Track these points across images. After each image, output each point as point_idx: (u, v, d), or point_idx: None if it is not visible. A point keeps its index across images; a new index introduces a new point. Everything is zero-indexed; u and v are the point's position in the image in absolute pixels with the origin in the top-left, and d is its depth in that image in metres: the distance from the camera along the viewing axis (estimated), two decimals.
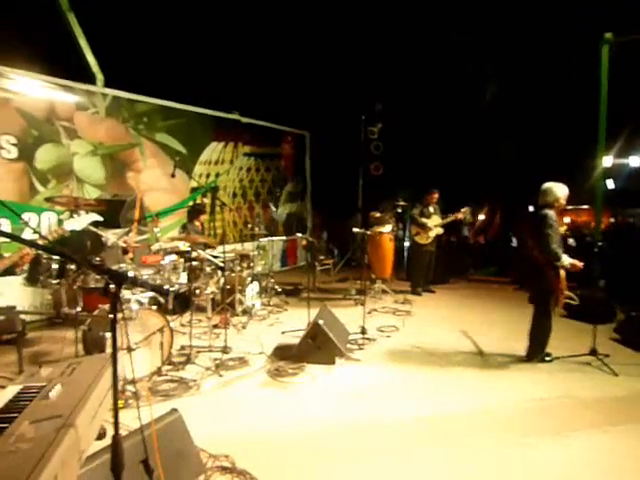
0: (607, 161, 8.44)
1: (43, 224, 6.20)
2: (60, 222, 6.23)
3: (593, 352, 4.76)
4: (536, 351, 4.77)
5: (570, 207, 14.98)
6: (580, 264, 4.51)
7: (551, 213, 4.58)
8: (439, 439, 3.30)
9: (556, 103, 10.03)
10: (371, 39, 9.53)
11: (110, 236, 4.42)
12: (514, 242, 10.40)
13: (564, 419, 3.60)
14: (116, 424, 1.60)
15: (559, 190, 4.66)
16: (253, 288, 6.79)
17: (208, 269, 5.39)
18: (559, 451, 3.13)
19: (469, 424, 3.52)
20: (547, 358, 4.78)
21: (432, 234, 7.99)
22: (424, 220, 7.98)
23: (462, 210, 8.09)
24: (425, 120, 10.76)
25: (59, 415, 1.44)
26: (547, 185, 4.71)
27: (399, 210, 8.36)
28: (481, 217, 14.02)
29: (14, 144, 5.95)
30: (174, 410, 2.66)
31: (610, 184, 11.78)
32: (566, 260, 4.50)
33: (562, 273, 4.57)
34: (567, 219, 15.32)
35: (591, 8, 8.31)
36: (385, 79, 10.21)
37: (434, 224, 8.00)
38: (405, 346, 5.35)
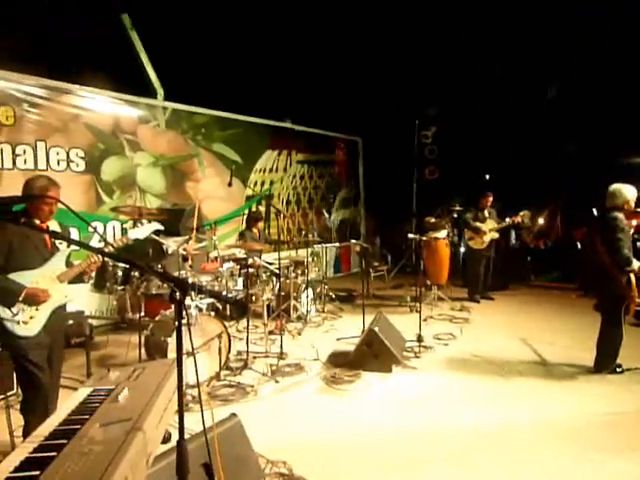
0: None
1: (109, 233, 6.51)
2: (124, 231, 6.52)
3: None
4: (605, 362, 4.50)
5: (638, 210, 14.14)
6: None
7: (621, 216, 4.34)
8: (498, 449, 3.19)
9: (620, 102, 9.51)
10: (424, 42, 9.41)
11: (171, 244, 4.57)
12: (578, 246, 9.91)
13: (631, 435, 3.38)
14: (181, 428, 1.64)
15: (629, 192, 4.41)
16: (307, 295, 6.82)
17: (264, 276, 5.48)
18: (623, 468, 2.94)
19: (530, 435, 3.38)
20: (618, 369, 4.51)
21: (487, 238, 7.75)
22: (477, 224, 7.76)
23: (520, 214, 7.79)
24: (481, 122, 10.48)
25: (128, 418, 1.50)
26: (615, 187, 4.46)
27: (455, 215, 8.17)
28: (541, 221, 13.49)
29: (82, 157, 6.30)
30: (233, 415, 2.70)
31: None
32: (636, 264, 4.25)
33: (633, 279, 4.30)
34: (634, 222, 14.48)
35: None
36: (439, 82, 10.04)
37: (488, 228, 7.76)
38: (463, 354, 5.21)
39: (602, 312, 4.54)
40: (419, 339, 5.33)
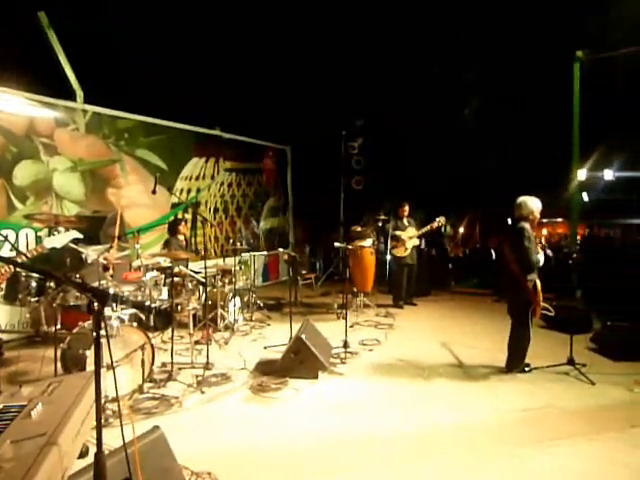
0: (582, 175, 8.67)
1: (21, 241, 6.12)
2: (39, 239, 6.16)
3: (571, 362, 4.87)
4: (515, 362, 4.85)
5: (546, 220, 15.32)
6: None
7: (527, 226, 4.71)
8: (425, 452, 3.33)
9: (534, 119, 10.30)
10: (351, 55, 9.68)
11: (90, 253, 4.40)
12: (492, 254, 10.58)
13: (549, 429, 3.67)
14: (99, 442, 1.61)
15: (532, 203, 4.81)
16: (235, 303, 6.77)
17: (189, 285, 5.38)
18: (547, 460, 3.18)
19: (454, 437, 3.56)
20: (526, 369, 4.87)
21: (409, 245, 8.11)
22: (397, 233, 8.11)
23: (437, 220, 8.22)
24: (406, 134, 10.92)
25: (42, 433, 1.45)
26: (521, 199, 4.85)
27: (379, 224, 8.46)
28: (461, 230, 14.23)
29: None
30: (156, 427, 2.65)
31: (585, 197, 12.08)
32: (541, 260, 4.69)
33: (539, 285, 4.68)
34: (544, 231, 15.65)
35: (564, 27, 8.60)
36: (366, 94, 10.36)
37: (408, 236, 8.11)
38: (388, 359, 5.39)
39: (512, 316, 4.90)
40: (345, 345, 5.46)
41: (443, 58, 9.97)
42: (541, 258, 4.70)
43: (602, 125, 9.72)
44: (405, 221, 8.25)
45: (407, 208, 8.31)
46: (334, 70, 9.81)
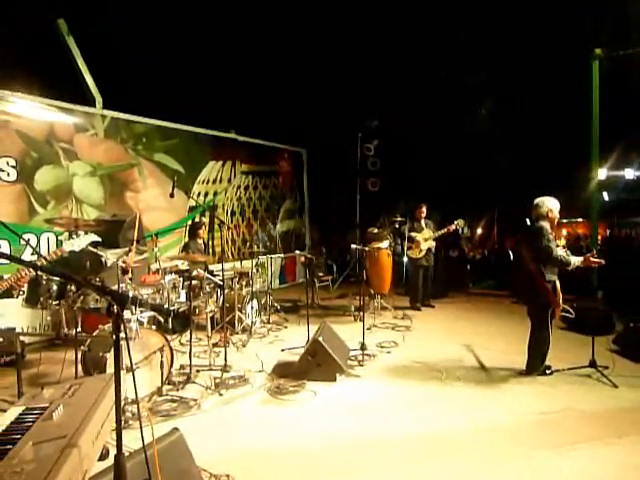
0: (602, 174, 8.53)
1: (43, 245, 6.23)
2: (59, 243, 6.26)
3: (592, 364, 4.77)
4: (536, 365, 4.77)
5: (565, 220, 15.08)
6: (597, 260, 4.55)
7: (547, 226, 4.64)
8: (442, 454, 3.30)
9: (552, 118, 10.16)
10: (366, 56, 9.67)
11: (109, 256, 4.45)
12: (510, 255, 10.46)
13: (568, 432, 3.60)
14: (119, 444, 1.62)
15: (550, 203, 4.75)
16: (252, 306, 6.79)
17: (207, 287, 5.42)
18: (566, 464, 3.12)
19: (472, 439, 3.52)
20: (547, 371, 4.79)
21: (423, 247, 8.05)
22: (412, 234, 8.06)
23: (455, 222, 8.16)
24: (421, 135, 10.86)
25: (63, 435, 1.46)
26: (539, 199, 4.80)
27: (396, 225, 8.42)
28: (479, 231, 14.09)
29: (13, 166, 6.01)
30: (175, 429, 2.66)
31: (605, 196, 11.88)
32: (578, 260, 4.54)
33: (558, 286, 4.61)
34: (564, 231, 15.41)
35: (583, 24, 8.48)
36: (381, 96, 10.34)
37: (424, 237, 8.05)
38: (405, 361, 5.35)
39: (531, 318, 4.82)
40: (362, 347, 5.44)
41: (457, 57, 9.90)
42: (573, 259, 4.58)
43: (621, 123, 9.55)
44: (422, 223, 8.19)
45: (424, 209, 8.25)
46: (349, 71, 9.81)
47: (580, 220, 15.14)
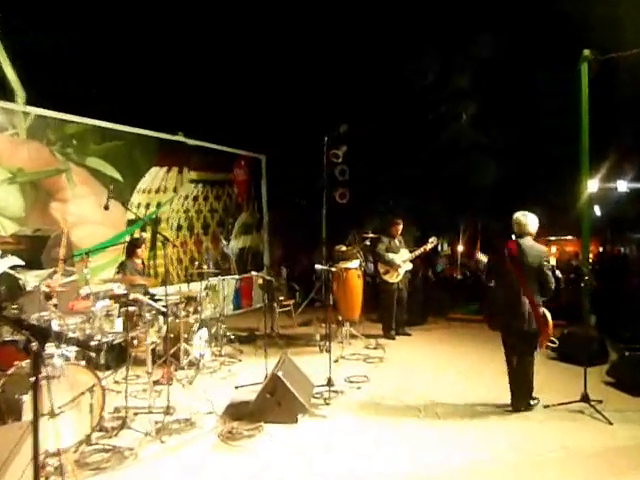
0: (593, 186, 8.82)
1: None
2: None
3: (585, 398, 4.89)
4: (523, 399, 4.88)
5: (554, 238, 15.55)
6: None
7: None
8: None
9: (538, 124, 10.54)
10: (334, 52, 9.82)
11: (30, 279, 4.32)
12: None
13: (560, 473, 3.68)
14: None
15: (534, 217, 4.97)
16: (201, 336, 6.69)
17: (148, 315, 5.32)
18: None
19: None
20: (532, 402, 4.90)
21: (401, 271, 8.14)
22: (391, 257, 8.12)
23: (430, 240, 8.28)
24: (396, 141, 11.03)
25: None
26: (521, 213, 4.98)
27: (367, 242, 8.48)
28: (460, 248, 14.36)
29: None
30: None
31: (597, 211, 12.29)
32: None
33: (547, 313, 4.75)
34: (553, 249, 15.88)
35: (571, 28, 8.86)
36: (351, 95, 10.48)
37: (402, 260, 8.14)
38: (378, 398, 5.36)
39: (512, 347, 4.91)
40: (329, 383, 5.41)
41: (436, 59, 10.18)
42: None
43: (613, 131, 9.97)
44: (397, 241, 8.29)
45: (401, 226, 8.35)
46: (314, 68, 9.93)
47: (569, 238, 15.63)
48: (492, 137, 10.69)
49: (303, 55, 9.67)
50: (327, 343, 6.09)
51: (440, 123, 11.14)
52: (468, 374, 6.19)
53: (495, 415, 4.85)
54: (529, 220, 4.89)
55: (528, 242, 4.84)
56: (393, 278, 8.14)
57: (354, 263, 7.86)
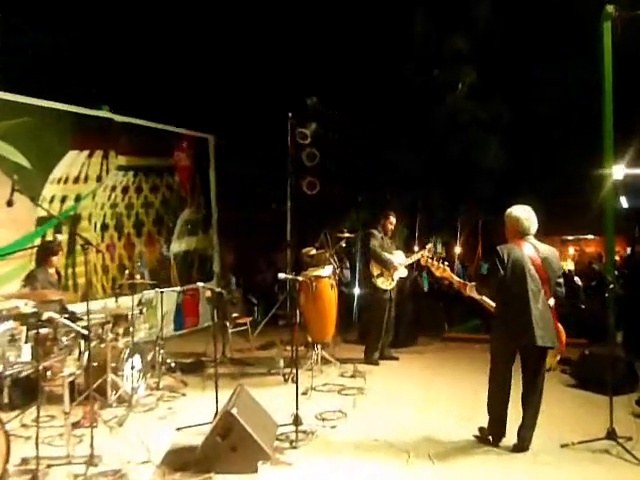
0: (618, 172, 8.96)
1: None
2: None
3: (611, 435, 4.98)
4: (532, 433, 4.94)
5: (571, 237, 15.85)
6: None
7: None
8: None
9: (551, 98, 10.72)
10: (299, 8, 9.83)
11: None
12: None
13: None
14: None
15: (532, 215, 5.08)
16: (134, 365, 6.64)
17: (65, 339, 5.25)
18: None
19: None
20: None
21: (396, 277, 8.16)
22: (388, 256, 8.13)
23: (427, 246, 8.25)
24: (379, 118, 11.08)
25: None
26: (524, 211, 5.08)
27: (343, 244, 8.50)
28: (457, 249, 14.51)
29: None
30: None
31: (624, 202, 12.49)
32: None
33: (560, 327, 4.86)
34: (571, 250, 16.21)
35: None
36: (320, 63, 10.49)
37: (398, 262, 8.16)
38: (356, 438, 5.37)
39: (530, 368, 5.00)
40: (296, 421, 5.41)
41: (433, 23, 10.30)
42: None
43: None
44: (388, 240, 8.31)
45: (393, 220, 8.36)
46: (274, 31, 9.90)
47: (590, 237, 15.90)
48: (493, 112, 10.83)
49: (260, 14, 9.66)
50: (293, 371, 6.10)
51: (434, 94, 11.24)
52: (467, 406, 6.23)
53: (501, 455, 4.91)
54: (532, 216, 4.99)
55: (540, 244, 4.93)
56: (387, 284, 8.17)
57: (326, 270, 7.86)
